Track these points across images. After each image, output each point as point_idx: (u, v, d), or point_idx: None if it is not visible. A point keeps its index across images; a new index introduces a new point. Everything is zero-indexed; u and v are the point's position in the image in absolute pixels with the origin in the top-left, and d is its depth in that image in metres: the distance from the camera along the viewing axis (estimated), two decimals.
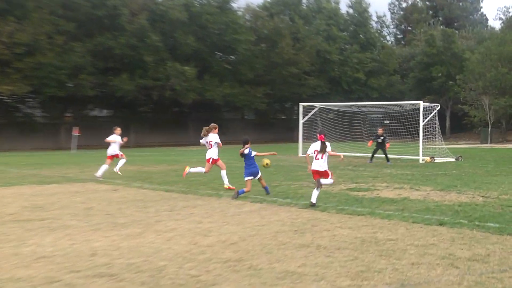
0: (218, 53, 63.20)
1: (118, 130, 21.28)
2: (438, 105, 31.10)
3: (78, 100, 53.36)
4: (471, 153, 36.51)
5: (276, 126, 68.01)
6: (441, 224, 10.29)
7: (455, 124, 68.84)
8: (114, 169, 20.85)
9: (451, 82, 63.81)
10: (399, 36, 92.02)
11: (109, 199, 14.46)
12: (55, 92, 48.45)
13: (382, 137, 27.86)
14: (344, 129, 41.08)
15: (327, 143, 13.02)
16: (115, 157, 20.86)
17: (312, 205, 12.45)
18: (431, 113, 30.44)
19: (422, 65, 68.52)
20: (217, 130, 16.88)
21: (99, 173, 20.09)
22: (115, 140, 20.99)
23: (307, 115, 36.53)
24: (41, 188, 17.31)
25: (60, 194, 15.68)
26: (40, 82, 47.67)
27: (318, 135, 13.22)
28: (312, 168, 12.84)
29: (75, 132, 44.76)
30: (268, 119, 66.56)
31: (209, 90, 56.32)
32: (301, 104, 36.72)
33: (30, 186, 17.74)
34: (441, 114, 44.29)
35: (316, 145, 12.90)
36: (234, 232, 9.77)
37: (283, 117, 70.70)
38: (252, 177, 14.40)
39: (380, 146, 27.79)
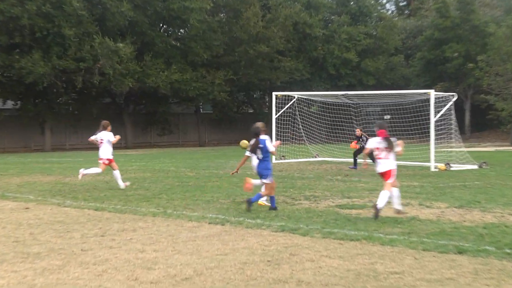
0: (163, 26, 62.98)
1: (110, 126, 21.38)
2: (454, 95, 31.48)
3: None
4: (499, 158, 37.07)
5: (241, 123, 68.04)
6: (461, 252, 10.40)
7: (477, 120, 69.85)
8: (79, 176, 20.84)
9: (471, 65, 64.69)
10: (402, 4, 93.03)
11: (17, 221, 14.29)
12: None
13: (361, 139, 28.95)
14: (331, 126, 41.31)
15: (393, 139, 14.28)
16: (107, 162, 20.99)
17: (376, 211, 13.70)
18: (445, 105, 30.81)
19: (433, 42, 69.37)
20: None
21: (121, 183, 20.70)
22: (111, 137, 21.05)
23: (282, 107, 36.64)
24: None
25: None
26: None
27: (376, 129, 14.36)
28: (378, 171, 14.30)
29: None
30: (231, 113, 66.63)
31: (151, 75, 56.12)
32: (274, 93, 36.82)
33: None
34: (458, 106, 44.94)
35: (378, 142, 14.27)
36: (188, 263, 9.74)
37: (250, 111, 70.85)
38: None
39: (361, 150, 28.64)
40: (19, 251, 10.86)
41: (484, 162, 30.13)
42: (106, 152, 20.90)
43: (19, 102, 57.44)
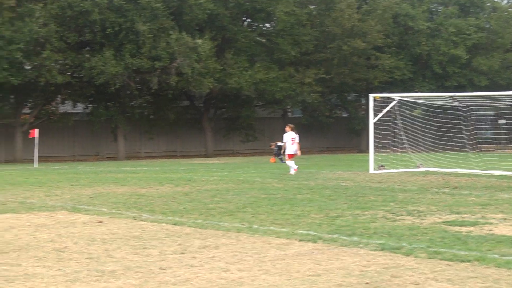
0: (246, 20, 63.40)
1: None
2: None
3: (40, 89, 54.06)
4: None
5: (335, 128, 67.93)
6: None
7: None
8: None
9: None
10: None
11: (90, 235, 14.64)
12: (5, 78, 49.15)
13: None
14: (437, 132, 40.85)
15: None
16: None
17: None
18: None
19: None
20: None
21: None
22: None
23: (380, 111, 36.43)
24: None
25: (19, 228, 15.92)
26: None
27: None
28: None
29: (32, 134, 45.39)
30: (322, 118, 66.51)
31: (233, 74, 56.53)
32: (371, 95, 36.64)
33: None
34: None
35: None
36: (276, 285, 9.83)
37: (345, 115, 70.60)
38: None
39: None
40: (92, 268, 11.13)
41: None
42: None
43: (89, 105, 58.70)
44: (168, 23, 53.88)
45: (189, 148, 62.09)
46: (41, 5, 50.13)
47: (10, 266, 11.37)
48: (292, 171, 32.39)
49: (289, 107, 68.21)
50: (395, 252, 12.24)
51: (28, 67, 51.98)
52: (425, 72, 67.73)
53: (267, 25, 64.30)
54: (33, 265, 11.50)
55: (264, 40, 62.38)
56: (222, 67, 56.19)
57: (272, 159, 36.82)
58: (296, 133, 33.61)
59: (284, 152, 34.10)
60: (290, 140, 32.95)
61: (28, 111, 56.61)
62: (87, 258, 12.01)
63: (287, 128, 33.55)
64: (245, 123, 63.41)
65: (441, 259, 11.56)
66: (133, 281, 10.18)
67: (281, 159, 34.10)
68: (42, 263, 11.65)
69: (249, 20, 63.82)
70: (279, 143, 34.45)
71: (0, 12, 48.18)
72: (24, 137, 51.06)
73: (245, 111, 62.73)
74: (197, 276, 10.44)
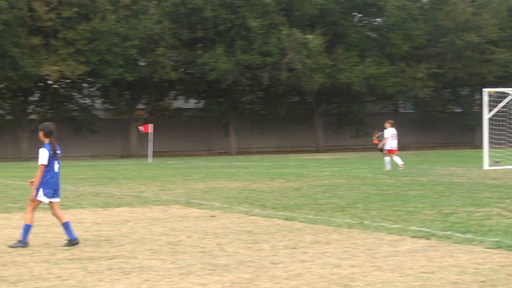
0: (357, 14, 63.06)
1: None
2: None
3: (154, 85, 55.09)
4: None
5: (447, 124, 66.92)
6: None
7: None
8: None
9: None
10: None
11: (203, 229, 14.82)
12: (121, 74, 50.24)
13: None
14: None
15: None
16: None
17: None
18: None
19: None
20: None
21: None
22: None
23: (495, 106, 35.73)
24: (106, 212, 18.09)
25: (134, 221, 16.27)
26: (99, 60, 49.57)
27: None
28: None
29: (143, 129, 46.23)
30: (435, 113, 65.63)
31: (344, 69, 56.37)
32: (486, 90, 35.97)
33: (91, 210, 18.57)
34: None
35: None
36: (389, 281, 9.74)
37: (458, 110, 69.51)
38: None
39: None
40: (206, 262, 11.25)
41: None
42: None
43: (201, 101, 59.49)
44: (279, 19, 54.13)
45: (300, 143, 62.18)
46: (155, 2, 51.13)
47: (127, 259, 11.61)
48: (388, 167, 32.96)
49: (400, 102, 67.62)
50: (511, 250, 11.98)
51: (143, 64, 53.07)
52: None
53: (378, 19, 63.89)
54: (148, 257, 11.71)
55: (375, 35, 61.96)
56: (332, 63, 56.13)
57: (375, 139, 37.11)
58: (396, 129, 34.16)
59: (383, 147, 34.33)
60: (391, 136, 33.29)
61: (143, 107, 57.79)
62: (200, 252, 12.16)
63: (387, 124, 33.80)
64: (356, 118, 63.16)
65: None
66: (245, 275, 10.24)
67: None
68: (157, 256, 11.86)
69: (360, 15, 63.52)
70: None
71: (115, 9, 49.34)
72: (139, 133, 52.11)
73: (355, 106, 62.51)
74: (309, 271, 10.43)
